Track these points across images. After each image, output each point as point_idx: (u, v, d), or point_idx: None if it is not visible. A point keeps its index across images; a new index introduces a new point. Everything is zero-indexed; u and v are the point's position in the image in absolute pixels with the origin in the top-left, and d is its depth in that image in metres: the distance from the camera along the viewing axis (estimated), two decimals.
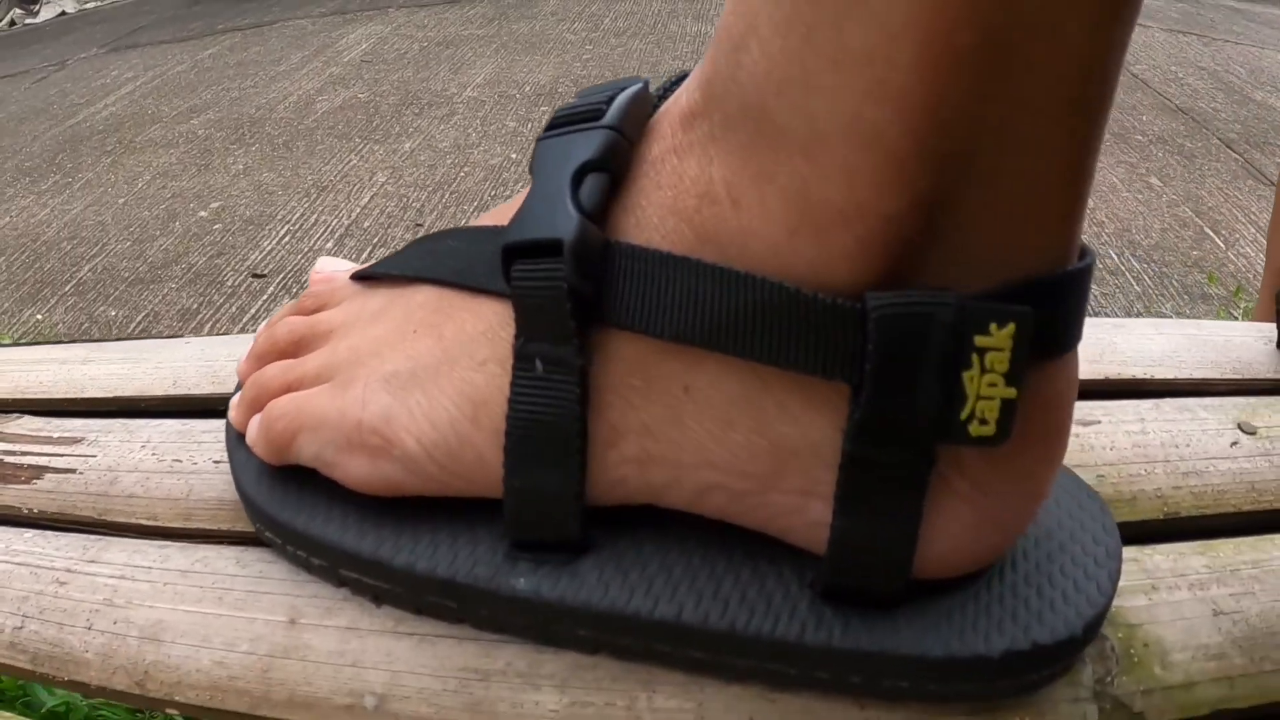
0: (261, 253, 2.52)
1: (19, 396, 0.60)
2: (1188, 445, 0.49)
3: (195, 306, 2.28)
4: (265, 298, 2.29)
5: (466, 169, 2.95)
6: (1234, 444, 0.49)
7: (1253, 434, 0.50)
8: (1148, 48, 4.07)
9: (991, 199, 0.29)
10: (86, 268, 2.54)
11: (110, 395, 0.57)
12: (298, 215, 2.72)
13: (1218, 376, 0.56)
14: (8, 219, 2.98)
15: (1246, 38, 4.89)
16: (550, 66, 3.92)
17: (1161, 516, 0.45)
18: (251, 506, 0.41)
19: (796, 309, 0.29)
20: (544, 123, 0.35)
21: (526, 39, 4.35)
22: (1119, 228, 2.56)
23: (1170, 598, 0.39)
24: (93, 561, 0.44)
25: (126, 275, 2.48)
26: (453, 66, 3.97)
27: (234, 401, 0.44)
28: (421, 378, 0.37)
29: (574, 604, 0.34)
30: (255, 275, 2.40)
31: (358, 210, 2.71)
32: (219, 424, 0.50)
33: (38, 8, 6.77)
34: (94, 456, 0.51)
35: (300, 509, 0.39)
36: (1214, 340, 0.59)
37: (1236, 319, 2.07)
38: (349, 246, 2.50)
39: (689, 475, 0.34)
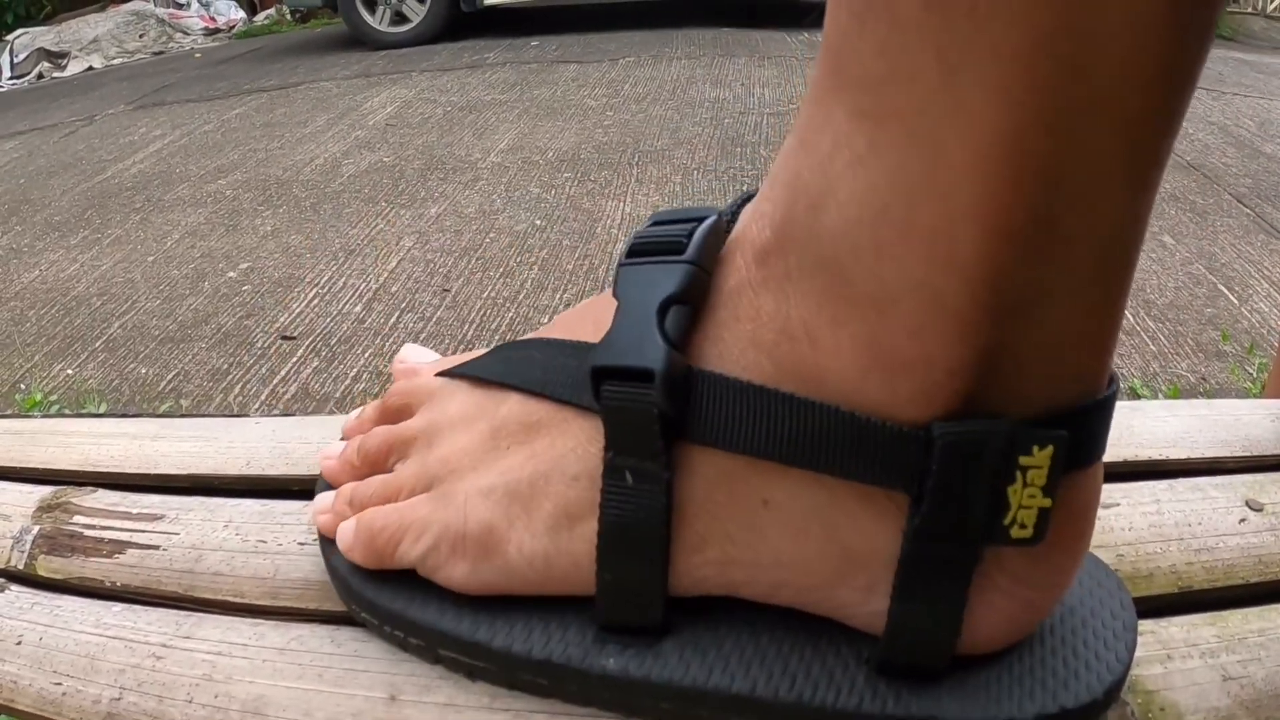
0: (290, 315, 2.55)
1: (91, 470, 0.62)
2: (1200, 523, 0.52)
3: (225, 367, 2.31)
4: (294, 360, 2.32)
5: (492, 235, 2.99)
6: (1242, 520, 0.52)
7: (1260, 510, 0.53)
8: None
9: (1038, 345, 0.33)
10: (116, 324, 2.58)
11: (184, 472, 0.59)
12: (326, 278, 2.76)
13: (1228, 455, 0.59)
14: (37, 272, 3.03)
15: (1255, 90, 4.93)
16: (572, 132, 3.97)
17: (1176, 590, 0.48)
18: (347, 589, 0.44)
19: (868, 433, 0.33)
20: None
21: (548, 104, 4.41)
22: (1134, 287, 2.57)
23: (1183, 666, 0.43)
24: (187, 637, 0.46)
25: (157, 333, 2.51)
26: (476, 131, 4.03)
27: (322, 507, 0.47)
28: (519, 493, 0.40)
29: (658, 681, 0.38)
30: (285, 337, 2.43)
31: (385, 274, 2.75)
32: (298, 505, 0.53)
33: (65, 62, 6.88)
34: (177, 534, 0.53)
35: (398, 593, 0.42)
36: (1224, 420, 0.62)
37: (1251, 374, 2.09)
38: (377, 311, 2.53)
39: (765, 574, 0.38)
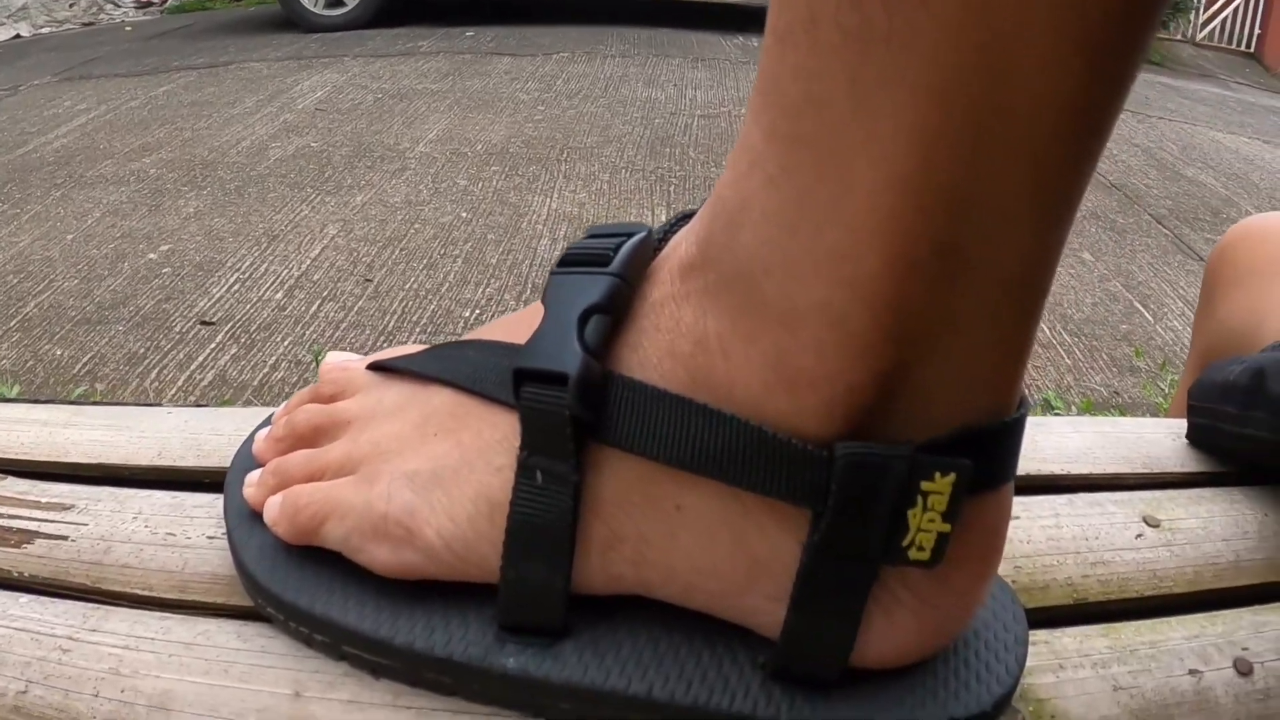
0: (210, 300, 2.53)
1: (0, 456, 0.62)
2: (1097, 538, 0.53)
3: (142, 351, 2.29)
4: (213, 345, 2.30)
5: (417, 225, 2.99)
6: (1139, 536, 0.53)
7: (1156, 526, 0.55)
8: None
9: (943, 367, 0.34)
10: (33, 304, 2.54)
11: (94, 461, 0.58)
12: (248, 263, 2.73)
13: (1129, 471, 0.60)
14: None
15: (1180, 115, 5.04)
16: (503, 126, 3.97)
17: (1071, 602, 0.49)
18: (254, 584, 0.44)
19: (774, 449, 0.34)
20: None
21: (480, 96, 4.39)
22: (1051, 301, 2.62)
23: (1075, 675, 0.44)
24: (95, 630, 0.46)
25: (73, 315, 2.48)
26: (406, 120, 4.01)
27: (252, 480, 0.47)
28: (443, 478, 0.40)
29: (558, 681, 0.39)
30: (204, 322, 2.41)
31: (308, 262, 2.74)
32: (210, 499, 0.53)
33: None
34: (86, 525, 0.53)
35: (303, 589, 0.43)
36: (1126, 437, 0.64)
37: (1163, 390, 2.14)
38: (298, 298, 2.52)
39: (678, 577, 0.39)
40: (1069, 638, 0.46)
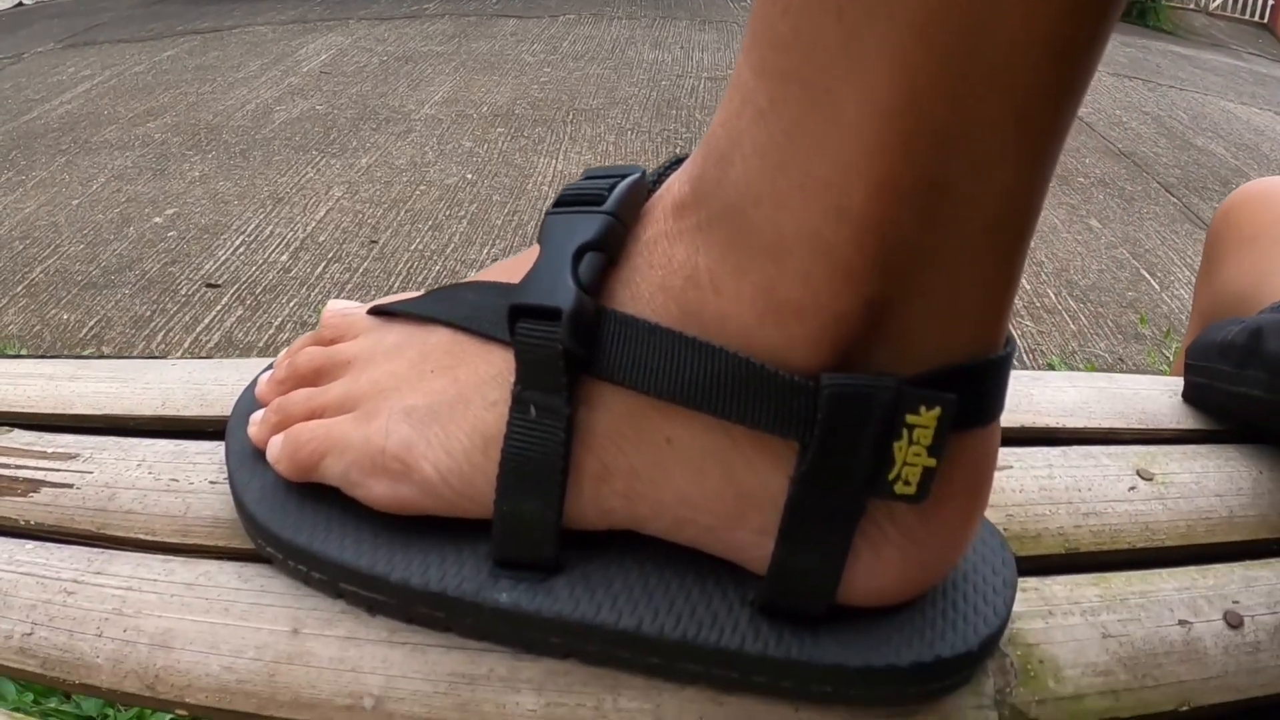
0: (216, 262, 2.53)
1: (6, 409, 0.61)
2: (1090, 489, 0.53)
3: (149, 314, 2.29)
4: (219, 308, 2.31)
5: (422, 187, 2.99)
6: (1132, 489, 0.54)
7: (1149, 480, 0.55)
8: (1094, 92, 4.15)
9: (928, 302, 0.34)
10: (39, 269, 2.55)
11: (99, 413, 0.59)
12: (253, 226, 2.74)
13: (1123, 426, 0.61)
14: None
15: (1191, 84, 5.01)
16: (508, 87, 3.95)
17: (1062, 552, 0.50)
18: (254, 524, 0.45)
19: (761, 380, 0.35)
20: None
21: (485, 58, 4.38)
22: (1058, 267, 2.62)
23: (1065, 622, 0.45)
24: (99, 573, 0.47)
25: (79, 279, 2.48)
26: (411, 83, 4.00)
27: (255, 420, 0.48)
28: (439, 413, 0.41)
29: (549, 615, 0.39)
30: (209, 285, 2.42)
31: (313, 224, 2.74)
32: (211, 446, 0.53)
33: None
34: (90, 473, 0.54)
35: (301, 528, 0.44)
36: (1123, 393, 0.64)
37: (1167, 357, 2.14)
38: (303, 260, 2.52)
39: (668, 510, 0.39)
40: (1059, 585, 0.47)
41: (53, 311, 2.33)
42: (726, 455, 0.38)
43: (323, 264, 2.50)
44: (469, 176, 3.06)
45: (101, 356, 0.69)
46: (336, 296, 2.34)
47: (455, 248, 2.58)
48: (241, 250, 2.59)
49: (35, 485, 0.54)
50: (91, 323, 2.26)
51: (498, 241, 2.62)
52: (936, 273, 0.34)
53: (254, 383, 0.52)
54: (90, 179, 3.14)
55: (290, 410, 0.46)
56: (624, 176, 0.41)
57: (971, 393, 0.36)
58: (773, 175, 0.34)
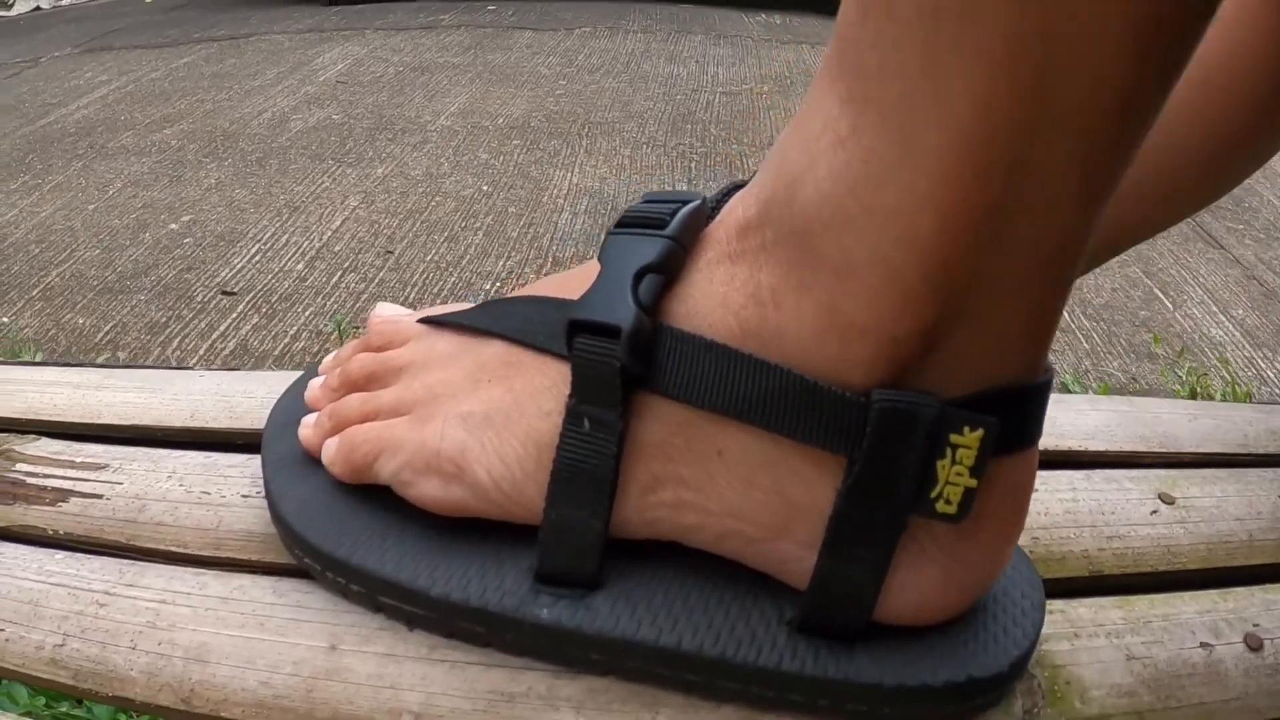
0: (232, 270, 2.53)
1: (33, 417, 0.62)
2: (1113, 512, 0.54)
3: (164, 320, 2.29)
4: (234, 315, 2.31)
5: (438, 199, 2.98)
6: (1154, 512, 0.55)
7: (1171, 504, 0.56)
8: None
9: (979, 328, 0.36)
10: (55, 273, 2.55)
11: (128, 423, 0.60)
12: (269, 234, 2.73)
13: (1145, 449, 0.61)
14: None
15: None
16: (524, 100, 3.95)
17: (1086, 574, 0.51)
18: (292, 535, 0.46)
19: (815, 395, 0.37)
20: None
21: (501, 70, 4.38)
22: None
23: (1090, 644, 0.45)
24: (131, 585, 0.48)
25: (95, 284, 2.48)
26: (427, 94, 4.00)
27: (308, 423, 0.50)
28: (494, 420, 0.43)
29: (590, 632, 0.40)
30: (225, 292, 2.42)
31: (329, 233, 2.74)
32: (243, 459, 0.54)
33: (12, 1, 6.73)
34: (120, 483, 0.54)
35: (341, 540, 0.44)
36: (1144, 416, 0.65)
37: (1180, 377, 2.13)
38: (319, 269, 2.52)
39: (714, 521, 0.41)
40: (1084, 608, 0.48)
41: (68, 316, 2.33)
42: (775, 467, 0.39)
43: (339, 273, 2.50)
44: (485, 188, 3.06)
45: (127, 366, 0.69)
46: (353, 305, 2.34)
47: (471, 259, 2.58)
48: (257, 258, 2.59)
49: (64, 495, 0.54)
50: (107, 328, 2.27)
51: (513, 253, 2.62)
52: (990, 300, 0.36)
53: (287, 394, 0.53)
54: (107, 184, 3.15)
55: (344, 414, 0.48)
56: (685, 202, 0.43)
57: (1014, 416, 0.38)
58: (845, 199, 0.35)
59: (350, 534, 0.45)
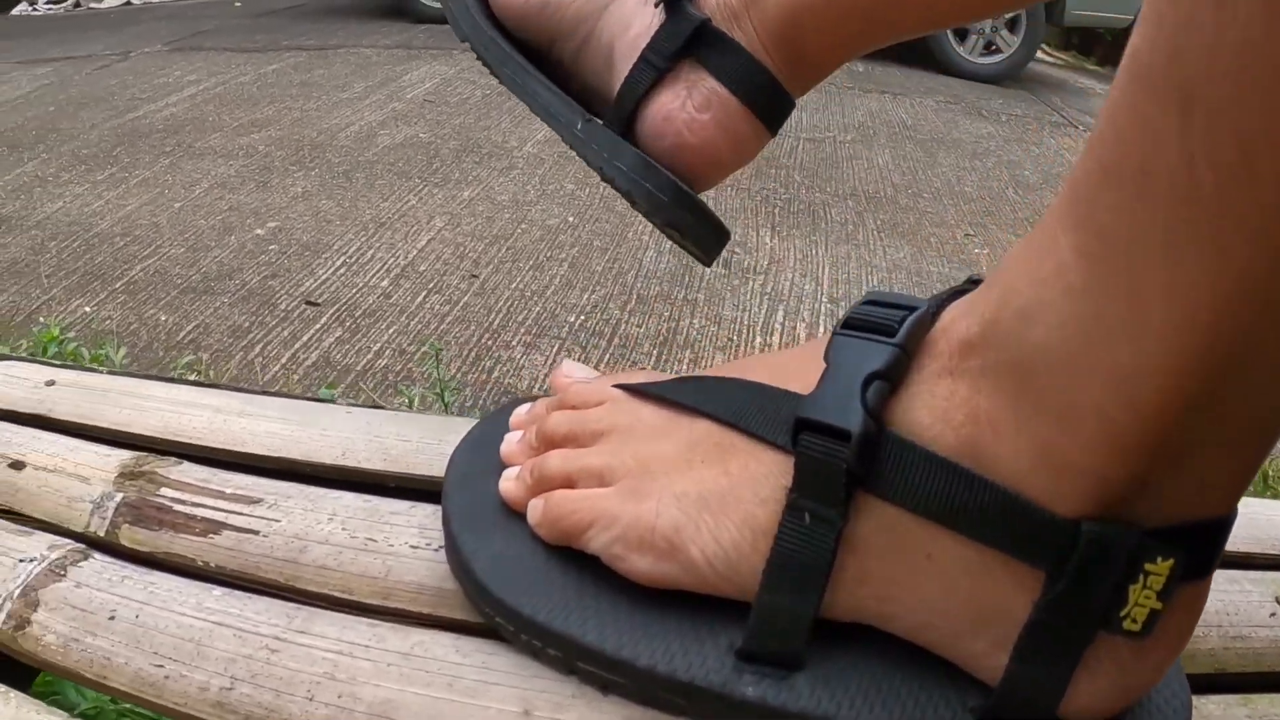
0: (316, 281, 2.56)
1: (171, 438, 0.62)
2: (1235, 613, 0.55)
3: (247, 325, 2.32)
4: (318, 327, 2.32)
5: (524, 226, 3.00)
6: (1272, 614, 0.56)
7: None
8: None
9: (1188, 477, 0.38)
10: (139, 268, 2.58)
11: (275, 455, 0.60)
12: (354, 248, 2.76)
13: (1259, 551, 0.63)
14: (61, 204, 3.03)
15: None
16: None
17: (1213, 671, 0.52)
18: (485, 595, 0.46)
19: (1027, 516, 0.39)
20: (839, 320, 0.45)
21: None
22: None
23: None
24: (302, 632, 0.47)
25: (179, 282, 2.51)
26: (514, 119, 4.02)
27: (510, 475, 0.52)
28: (710, 503, 0.45)
29: (793, 710, 0.42)
30: (309, 303, 2.43)
31: (414, 252, 2.76)
32: (406, 506, 0.53)
33: None
34: (277, 520, 0.54)
35: (538, 604, 0.45)
36: (1257, 519, 0.66)
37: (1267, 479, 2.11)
38: (404, 288, 2.53)
39: (915, 615, 0.43)
40: (1213, 704, 0.51)
41: (150, 311, 2.36)
42: (977, 574, 0.41)
43: (423, 293, 2.51)
44: (570, 219, 3.07)
45: (265, 392, 0.69)
46: (437, 326, 2.36)
47: (555, 290, 2.59)
48: (342, 271, 2.61)
49: (215, 526, 0.53)
50: (189, 327, 2.29)
51: (598, 287, 2.63)
52: (1203, 456, 0.37)
53: (466, 443, 0.54)
54: (193, 183, 3.19)
55: (547, 472, 0.50)
56: (911, 309, 0.44)
57: (1202, 547, 0.40)
58: (1074, 352, 0.37)
59: (547, 596, 0.45)
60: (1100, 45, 7.02)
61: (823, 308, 2.55)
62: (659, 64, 0.62)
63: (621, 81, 0.64)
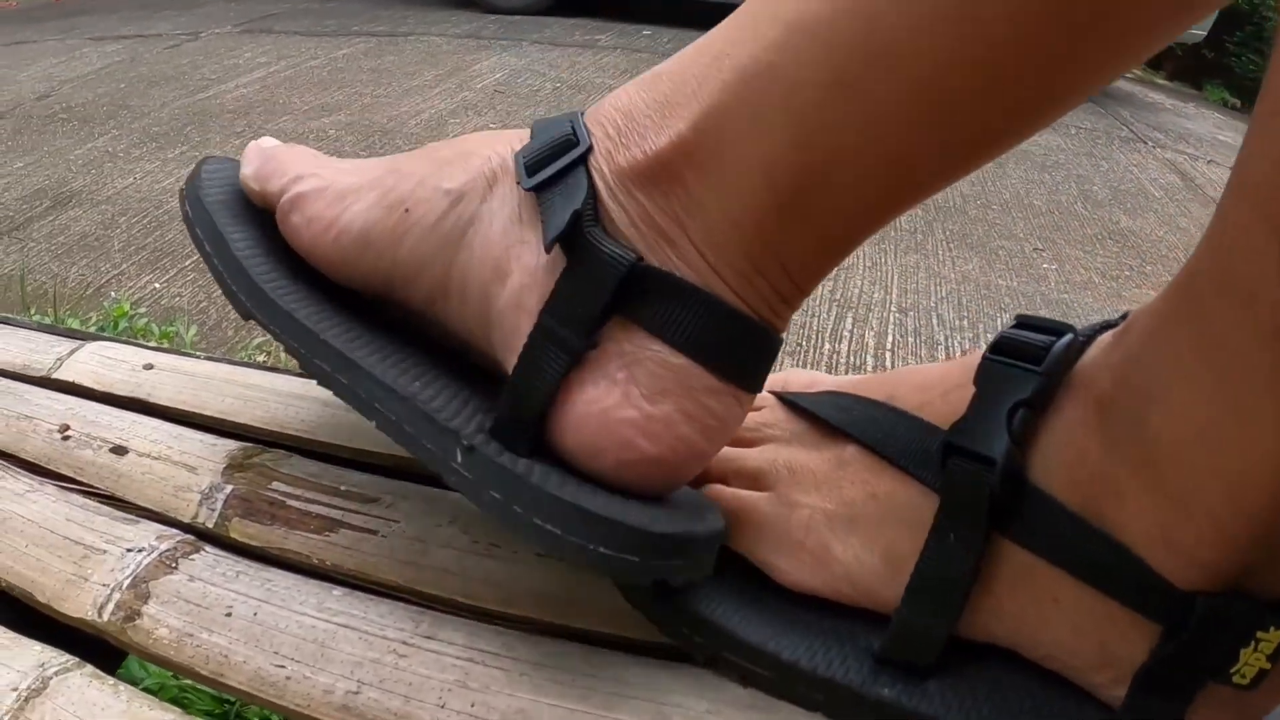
0: None
1: (278, 430, 0.62)
2: None
3: None
4: None
5: None
6: None
7: None
8: None
9: None
10: None
11: (388, 451, 0.59)
12: None
13: None
14: (131, 180, 3.05)
15: None
16: None
17: None
18: (647, 595, 0.48)
19: (1149, 579, 0.41)
20: (990, 343, 0.47)
21: None
22: None
23: None
24: (429, 638, 0.46)
25: None
26: None
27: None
28: (856, 524, 0.47)
29: (926, 713, 0.44)
30: None
31: None
32: None
33: None
34: (397, 522, 0.53)
35: (690, 592, 0.47)
36: None
37: None
38: None
39: (1040, 647, 0.45)
40: None
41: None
42: (1100, 620, 0.43)
43: None
44: None
45: None
46: None
47: None
48: None
49: (333, 525, 0.53)
50: None
51: None
52: None
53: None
54: None
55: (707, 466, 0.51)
56: (1058, 334, 0.46)
57: None
58: (1188, 446, 0.40)
59: (697, 586, 0.48)
60: (1170, 59, 6.91)
61: (891, 317, 2.52)
62: (574, 342, 0.43)
63: (513, 367, 0.44)
